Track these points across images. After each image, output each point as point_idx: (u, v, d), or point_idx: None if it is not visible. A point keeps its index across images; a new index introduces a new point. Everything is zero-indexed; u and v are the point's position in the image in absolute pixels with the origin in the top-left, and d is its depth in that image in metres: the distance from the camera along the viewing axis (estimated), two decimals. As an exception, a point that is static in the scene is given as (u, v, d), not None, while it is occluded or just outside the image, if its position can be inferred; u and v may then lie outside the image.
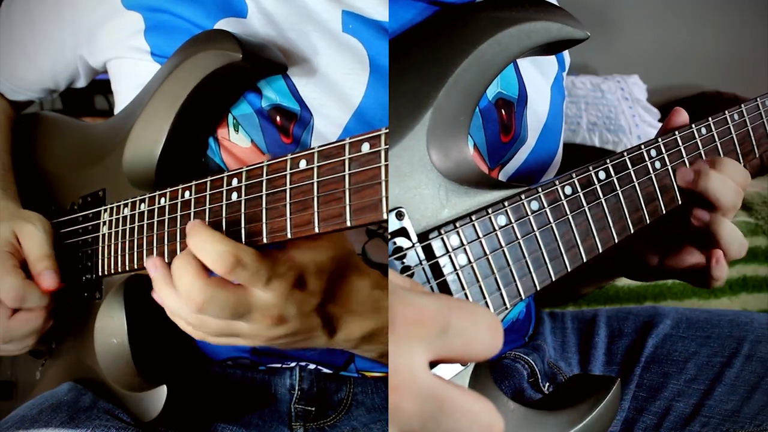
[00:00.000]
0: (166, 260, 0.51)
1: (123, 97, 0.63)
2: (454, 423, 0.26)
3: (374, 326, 0.51)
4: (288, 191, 0.43)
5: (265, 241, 0.44)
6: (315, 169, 0.42)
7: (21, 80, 0.74)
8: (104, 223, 0.59)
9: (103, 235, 0.59)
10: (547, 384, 0.68)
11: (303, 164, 0.43)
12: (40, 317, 0.59)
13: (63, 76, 0.72)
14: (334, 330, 0.50)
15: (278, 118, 0.56)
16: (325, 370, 0.63)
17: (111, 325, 0.56)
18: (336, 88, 0.56)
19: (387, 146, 0.39)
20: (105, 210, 0.59)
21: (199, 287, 0.44)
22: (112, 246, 0.57)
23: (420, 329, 0.26)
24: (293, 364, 0.62)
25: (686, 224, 0.56)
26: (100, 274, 0.59)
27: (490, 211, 0.46)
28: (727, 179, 0.54)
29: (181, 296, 0.45)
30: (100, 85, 0.77)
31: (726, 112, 0.59)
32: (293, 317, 0.46)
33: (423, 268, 0.44)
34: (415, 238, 0.44)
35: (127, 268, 0.55)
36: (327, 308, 0.49)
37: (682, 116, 0.58)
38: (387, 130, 0.39)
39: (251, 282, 0.44)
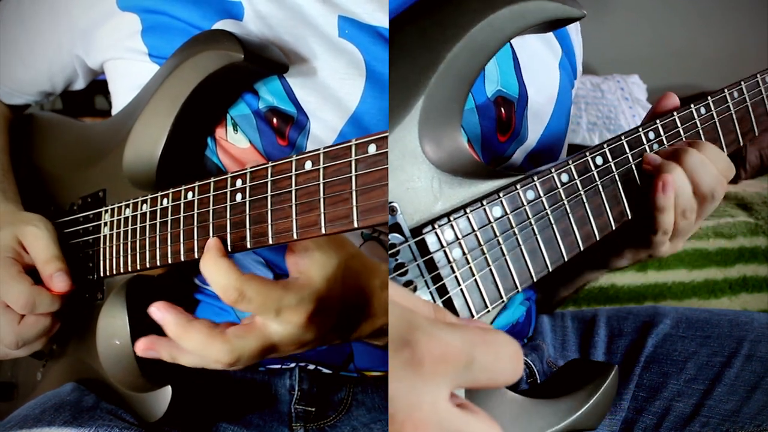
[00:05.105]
0: (169, 261, 0.51)
1: (121, 97, 0.63)
2: None
3: (384, 322, 0.51)
4: (293, 192, 0.43)
5: (270, 242, 0.44)
6: (321, 171, 0.42)
7: (16, 83, 0.73)
8: (105, 224, 0.59)
9: (105, 236, 0.59)
10: (547, 384, 0.68)
11: (308, 165, 0.43)
12: (49, 319, 0.59)
13: (59, 78, 0.71)
14: (348, 334, 0.50)
15: (274, 120, 0.56)
16: (325, 371, 0.63)
17: (113, 326, 0.56)
18: (332, 92, 0.56)
19: None
20: (106, 211, 0.59)
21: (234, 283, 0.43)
22: (114, 247, 0.57)
23: (446, 366, 0.27)
24: (293, 365, 0.62)
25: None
26: (101, 274, 0.59)
27: (484, 202, 0.45)
28: (706, 160, 0.52)
29: (218, 290, 0.44)
30: (100, 85, 0.76)
31: (725, 89, 0.57)
32: (312, 341, 0.46)
33: (417, 264, 0.43)
34: (408, 234, 0.43)
35: (129, 269, 0.55)
36: (343, 319, 0.48)
37: (672, 100, 0.56)
38: None
39: (260, 313, 0.44)
